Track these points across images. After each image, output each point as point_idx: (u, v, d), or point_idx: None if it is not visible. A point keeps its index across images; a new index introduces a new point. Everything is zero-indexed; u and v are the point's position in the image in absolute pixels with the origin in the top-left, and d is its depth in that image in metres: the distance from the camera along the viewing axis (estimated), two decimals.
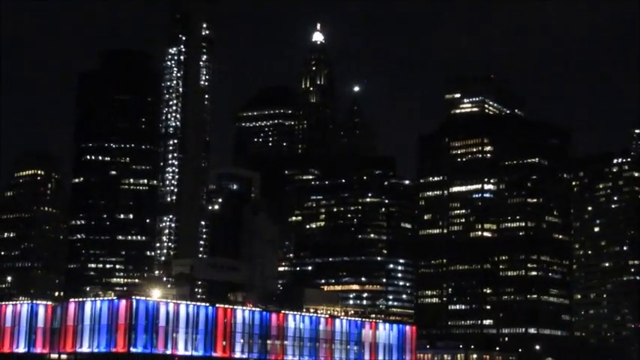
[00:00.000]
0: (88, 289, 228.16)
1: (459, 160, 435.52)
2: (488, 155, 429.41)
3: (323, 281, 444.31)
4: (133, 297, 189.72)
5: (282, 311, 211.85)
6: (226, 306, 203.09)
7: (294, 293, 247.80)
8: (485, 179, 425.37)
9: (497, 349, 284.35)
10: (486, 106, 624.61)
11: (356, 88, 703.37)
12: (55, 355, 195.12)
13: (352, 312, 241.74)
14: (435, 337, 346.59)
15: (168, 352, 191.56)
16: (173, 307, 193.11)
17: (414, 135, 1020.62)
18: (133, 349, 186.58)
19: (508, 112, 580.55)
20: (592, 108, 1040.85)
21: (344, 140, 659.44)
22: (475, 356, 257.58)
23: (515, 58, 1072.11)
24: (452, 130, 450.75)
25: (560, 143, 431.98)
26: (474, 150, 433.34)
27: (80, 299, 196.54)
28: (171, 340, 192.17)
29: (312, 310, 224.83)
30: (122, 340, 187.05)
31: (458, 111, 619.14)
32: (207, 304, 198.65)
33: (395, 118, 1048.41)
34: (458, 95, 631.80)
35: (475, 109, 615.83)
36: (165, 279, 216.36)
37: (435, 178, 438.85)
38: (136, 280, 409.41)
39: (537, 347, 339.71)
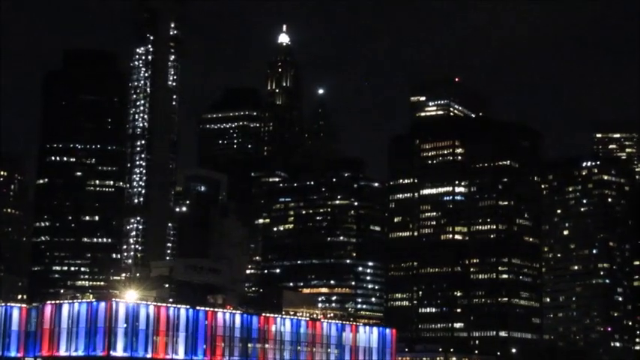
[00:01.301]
0: (62, 291, 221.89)
1: (429, 162, 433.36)
2: (459, 157, 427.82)
3: (291, 284, 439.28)
4: (113, 299, 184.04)
5: (266, 314, 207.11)
6: (207, 309, 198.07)
7: (273, 296, 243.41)
8: (456, 182, 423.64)
9: (476, 352, 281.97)
10: (451, 109, 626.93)
11: (320, 91, 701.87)
12: (30, 359, 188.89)
13: (332, 314, 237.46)
14: (405, 340, 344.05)
15: (149, 355, 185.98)
16: (153, 310, 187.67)
17: (379, 137, 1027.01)
18: (112, 353, 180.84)
19: (473, 115, 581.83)
20: (556, 110, 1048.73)
21: (308, 143, 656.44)
22: (454, 359, 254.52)
23: (477, 62, 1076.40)
24: (422, 132, 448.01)
25: (531, 145, 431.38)
26: (445, 152, 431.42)
27: (57, 301, 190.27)
28: (152, 344, 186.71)
29: (291, 313, 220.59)
30: (101, 343, 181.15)
31: (423, 114, 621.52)
32: (189, 307, 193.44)
33: (360, 121, 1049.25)
34: (423, 98, 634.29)
35: (440, 112, 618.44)
36: (143, 281, 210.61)
37: (406, 181, 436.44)
38: (102, 283, 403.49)
39: (513, 351, 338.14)
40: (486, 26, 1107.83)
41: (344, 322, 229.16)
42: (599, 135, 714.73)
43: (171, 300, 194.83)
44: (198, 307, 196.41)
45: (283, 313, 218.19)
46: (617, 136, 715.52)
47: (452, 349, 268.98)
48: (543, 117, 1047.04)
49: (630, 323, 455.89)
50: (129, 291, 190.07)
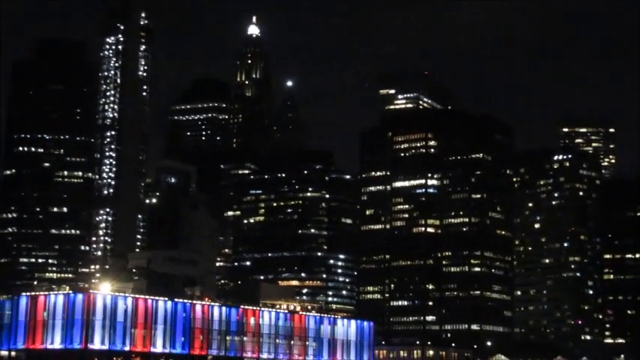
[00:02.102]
0: (35, 283, 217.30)
1: (402, 154, 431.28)
2: (432, 150, 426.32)
3: (262, 277, 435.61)
4: (91, 291, 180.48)
5: (244, 307, 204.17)
6: (186, 301, 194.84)
7: (250, 288, 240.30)
8: (429, 174, 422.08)
9: (453, 345, 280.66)
10: (421, 102, 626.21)
11: (289, 83, 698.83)
12: (4, 352, 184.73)
13: (310, 307, 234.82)
14: (377, 333, 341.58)
15: (127, 348, 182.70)
16: (132, 302, 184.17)
17: (349, 130, 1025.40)
18: (90, 346, 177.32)
19: (440, 107, 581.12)
20: (524, 105, 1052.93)
21: (277, 135, 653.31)
22: (431, 352, 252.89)
23: (445, 56, 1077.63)
24: (395, 124, 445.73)
25: (504, 138, 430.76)
26: (418, 145, 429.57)
27: (33, 293, 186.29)
28: (130, 336, 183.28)
29: (269, 305, 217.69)
30: (79, 336, 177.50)
31: (392, 107, 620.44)
32: (167, 299, 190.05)
33: (329, 114, 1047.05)
34: (392, 91, 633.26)
35: (410, 105, 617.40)
36: (120, 272, 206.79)
37: (378, 173, 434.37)
38: (70, 275, 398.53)
39: (489, 344, 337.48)
40: (456, 21, 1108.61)
41: (322, 315, 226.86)
42: (565, 129, 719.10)
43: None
44: (176, 299, 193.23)
45: (261, 305, 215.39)
46: (584, 130, 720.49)
47: (429, 342, 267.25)
48: (511, 111, 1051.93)
49: (600, 316, 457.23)
50: (103, 283, 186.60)
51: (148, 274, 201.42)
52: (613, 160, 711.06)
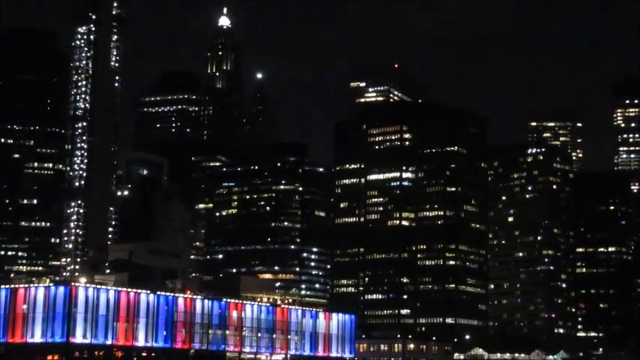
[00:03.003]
0: (12, 275, 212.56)
1: (376, 147, 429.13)
2: (407, 143, 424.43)
3: (234, 270, 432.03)
4: (73, 283, 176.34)
5: (227, 300, 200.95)
6: (169, 294, 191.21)
7: (230, 281, 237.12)
8: (404, 167, 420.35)
9: (434, 338, 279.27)
10: (391, 95, 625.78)
11: (259, 75, 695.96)
12: None
13: (291, 300, 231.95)
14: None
15: (109, 342, 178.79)
16: (114, 295, 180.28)
17: (320, 123, 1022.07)
18: (72, 339, 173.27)
19: (411, 101, 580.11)
20: (493, 98, 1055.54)
21: (247, 128, 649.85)
22: (412, 346, 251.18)
23: (416, 49, 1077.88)
24: (370, 117, 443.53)
25: (479, 132, 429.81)
26: (393, 138, 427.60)
27: (13, 286, 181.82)
28: (112, 330, 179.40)
29: (250, 297, 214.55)
30: (60, 329, 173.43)
31: (363, 100, 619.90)
32: (149, 292, 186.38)
33: (300, 106, 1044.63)
34: (363, 84, 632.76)
35: (380, 98, 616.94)
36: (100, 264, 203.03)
37: (352, 166, 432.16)
38: (40, 268, 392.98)
39: (467, 337, 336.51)
40: (427, 15, 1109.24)
41: (304, 309, 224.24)
42: (534, 123, 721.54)
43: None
44: (159, 292, 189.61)
45: (242, 298, 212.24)
46: (552, 124, 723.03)
47: (410, 336, 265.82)
48: (483, 105, 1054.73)
49: (574, 310, 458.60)
50: (81, 275, 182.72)
51: (129, 266, 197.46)
52: (580, 155, 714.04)
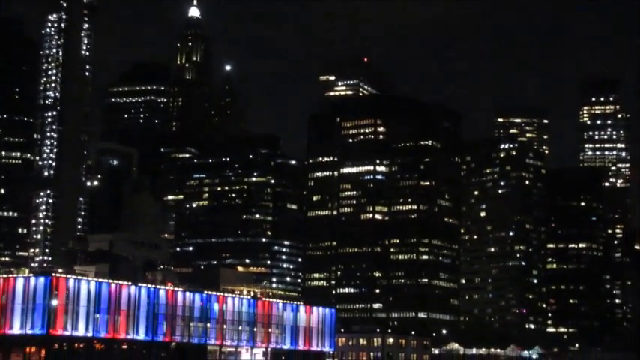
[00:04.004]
0: None
1: (350, 141, 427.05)
2: (381, 137, 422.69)
3: (205, 262, 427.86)
4: (53, 274, 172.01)
5: (208, 292, 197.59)
6: (150, 286, 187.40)
7: (210, 273, 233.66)
8: (377, 161, 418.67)
9: (413, 332, 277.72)
10: (361, 89, 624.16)
11: (228, 67, 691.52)
12: None
13: (271, 293, 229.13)
14: None
15: (90, 334, 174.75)
16: (95, 286, 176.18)
17: (291, 116, 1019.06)
18: (52, 331, 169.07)
19: (379, 94, 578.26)
20: (460, 94, 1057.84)
21: (215, 120, 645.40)
22: (391, 340, 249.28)
23: (386, 43, 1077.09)
24: (343, 110, 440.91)
25: (452, 126, 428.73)
26: (366, 131, 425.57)
27: None
28: (93, 322, 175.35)
29: (229, 290, 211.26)
30: (40, 320, 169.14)
31: (332, 93, 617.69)
32: (130, 283, 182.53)
33: (269, 99, 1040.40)
34: (332, 77, 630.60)
35: (350, 92, 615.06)
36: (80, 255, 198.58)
37: (325, 159, 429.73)
38: (7, 259, 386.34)
39: (444, 332, 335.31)
40: (400, 10, 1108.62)
41: (285, 302, 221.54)
42: (500, 120, 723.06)
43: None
44: (140, 284, 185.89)
45: (222, 290, 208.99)
46: (518, 121, 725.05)
47: (389, 330, 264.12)
48: (452, 100, 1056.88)
49: (544, 305, 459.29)
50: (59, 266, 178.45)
51: (109, 257, 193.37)
52: (547, 151, 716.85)
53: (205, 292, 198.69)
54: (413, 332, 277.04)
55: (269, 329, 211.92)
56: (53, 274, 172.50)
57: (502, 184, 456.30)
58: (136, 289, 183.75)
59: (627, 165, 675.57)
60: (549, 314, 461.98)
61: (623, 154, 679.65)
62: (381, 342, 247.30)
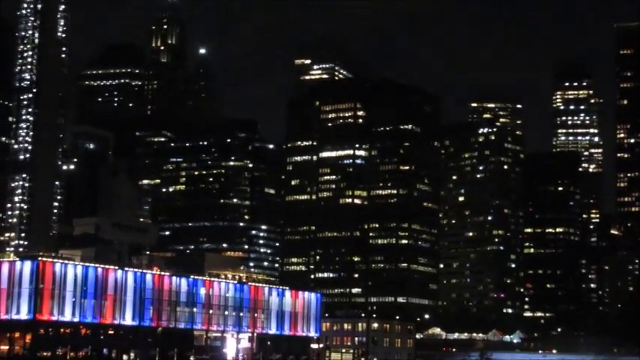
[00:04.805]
0: None
1: (329, 125, 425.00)
2: (360, 121, 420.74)
3: (181, 247, 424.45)
4: (40, 258, 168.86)
5: (195, 277, 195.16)
6: (137, 270, 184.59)
7: (194, 257, 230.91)
8: (357, 145, 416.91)
9: (397, 317, 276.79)
10: (336, 72, 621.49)
11: (202, 51, 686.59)
12: None
13: (259, 277, 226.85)
14: None
15: (76, 319, 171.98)
16: (82, 271, 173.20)
17: (268, 99, 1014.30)
18: (38, 316, 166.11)
19: (354, 78, 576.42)
20: (434, 78, 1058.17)
21: (189, 103, 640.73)
22: (376, 325, 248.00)
23: (361, 27, 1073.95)
24: (323, 94, 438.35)
25: (432, 110, 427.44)
26: (346, 115, 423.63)
27: None
28: (80, 306, 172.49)
29: (214, 275, 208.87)
30: (27, 305, 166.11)
31: (308, 77, 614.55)
32: (117, 268, 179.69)
33: (243, 83, 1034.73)
34: (308, 61, 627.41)
35: (325, 76, 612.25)
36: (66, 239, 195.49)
37: (304, 143, 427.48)
38: None
39: (427, 316, 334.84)
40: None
41: (271, 287, 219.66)
42: (474, 104, 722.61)
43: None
44: (127, 269, 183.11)
45: (207, 275, 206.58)
46: (492, 105, 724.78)
47: (374, 315, 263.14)
48: (424, 83, 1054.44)
49: (522, 290, 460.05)
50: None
51: (95, 240, 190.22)
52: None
53: (192, 276, 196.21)
54: (397, 317, 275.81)
55: (255, 314, 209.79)
56: (40, 259, 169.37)
57: (481, 168, 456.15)
58: (123, 274, 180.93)
59: (600, 150, 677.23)
60: (526, 299, 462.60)
61: (596, 139, 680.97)
62: (365, 327, 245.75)
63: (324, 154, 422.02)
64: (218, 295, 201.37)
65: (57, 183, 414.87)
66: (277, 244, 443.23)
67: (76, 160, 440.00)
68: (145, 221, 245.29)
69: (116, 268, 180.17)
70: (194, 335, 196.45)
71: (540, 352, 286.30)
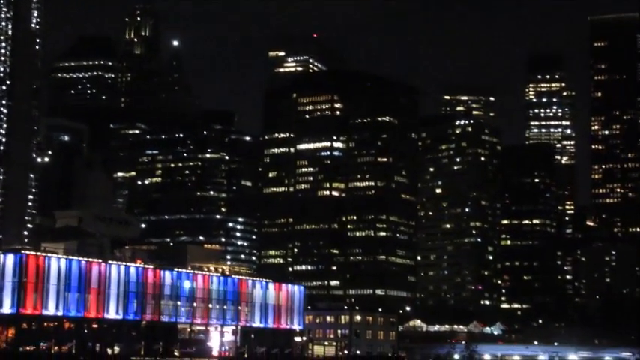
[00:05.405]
0: None
1: (307, 116, 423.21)
2: (338, 112, 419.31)
3: (159, 240, 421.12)
4: (23, 252, 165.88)
5: (178, 269, 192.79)
6: (120, 263, 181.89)
7: (177, 250, 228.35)
8: (334, 137, 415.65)
9: (380, 310, 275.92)
10: (310, 65, 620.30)
11: (175, 43, 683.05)
12: None
13: (242, 270, 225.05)
14: None
15: (60, 313, 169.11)
16: (65, 264, 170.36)
17: (244, 91, 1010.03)
18: (21, 310, 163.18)
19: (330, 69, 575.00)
20: (410, 70, 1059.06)
21: (162, 95, 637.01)
22: (359, 317, 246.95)
23: (335, 20, 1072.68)
24: (300, 85, 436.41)
25: (410, 102, 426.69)
26: (324, 107, 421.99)
27: None
28: (63, 300, 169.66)
29: (197, 267, 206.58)
30: (9, 299, 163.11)
31: (282, 69, 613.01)
32: (100, 261, 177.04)
33: (221, 74, 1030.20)
34: (282, 54, 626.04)
35: (300, 68, 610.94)
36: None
37: (282, 135, 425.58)
38: None
39: (408, 308, 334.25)
40: None
41: (254, 279, 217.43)
42: (447, 97, 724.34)
43: None
44: (110, 262, 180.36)
45: (189, 267, 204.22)
46: (465, 98, 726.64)
47: (357, 307, 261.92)
48: (398, 76, 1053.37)
49: (499, 282, 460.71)
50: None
51: (78, 233, 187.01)
52: None
53: (176, 269, 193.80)
54: (380, 309, 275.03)
55: (239, 307, 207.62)
56: (23, 252, 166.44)
57: (458, 160, 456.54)
58: (107, 267, 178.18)
59: (572, 142, 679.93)
60: (503, 290, 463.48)
61: (568, 131, 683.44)
62: (348, 319, 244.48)
63: (302, 146, 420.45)
64: (202, 287, 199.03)
65: (31, 176, 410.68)
66: (254, 237, 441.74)
67: (50, 152, 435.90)
68: (132, 213, 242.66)
69: (100, 261, 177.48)
70: (178, 328, 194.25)
71: (525, 346, 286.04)
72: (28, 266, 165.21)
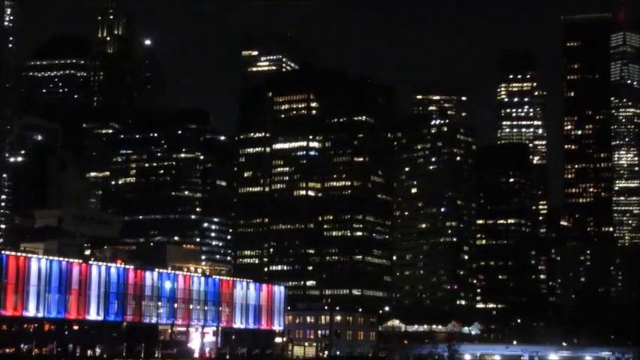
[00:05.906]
0: None
1: (282, 116, 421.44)
2: (314, 112, 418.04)
3: (133, 240, 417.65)
4: (3, 252, 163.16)
5: (159, 270, 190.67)
6: (101, 264, 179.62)
7: (156, 250, 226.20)
8: (310, 136, 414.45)
9: (360, 310, 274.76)
10: (284, 64, 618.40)
11: (147, 42, 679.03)
12: None
13: (223, 270, 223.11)
14: None
15: (40, 314, 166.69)
16: (46, 265, 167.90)
17: (218, 90, 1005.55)
18: (2, 312, 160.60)
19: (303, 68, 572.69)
20: (381, 69, 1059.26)
21: (135, 94, 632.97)
22: (339, 318, 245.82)
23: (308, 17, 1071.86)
24: (275, 85, 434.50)
25: (386, 101, 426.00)
26: (299, 106, 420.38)
27: None
28: (44, 301, 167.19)
29: (177, 268, 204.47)
30: None
31: (255, 69, 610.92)
32: (81, 261, 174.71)
33: (195, 73, 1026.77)
34: (255, 53, 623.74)
35: (273, 67, 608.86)
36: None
37: (257, 135, 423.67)
38: None
39: (387, 309, 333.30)
40: None
41: (235, 279, 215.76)
42: (419, 96, 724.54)
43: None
44: (91, 262, 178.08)
45: (169, 268, 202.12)
46: (437, 98, 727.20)
47: (337, 308, 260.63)
48: (378, 76, 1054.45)
49: (475, 282, 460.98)
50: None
51: (58, 233, 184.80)
52: None
53: (157, 270, 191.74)
54: (360, 310, 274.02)
55: (220, 308, 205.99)
56: (3, 252, 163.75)
57: (433, 159, 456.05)
58: (87, 268, 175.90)
59: (544, 142, 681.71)
60: (479, 290, 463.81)
61: (540, 131, 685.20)
62: (328, 320, 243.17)
63: (277, 146, 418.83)
64: (183, 288, 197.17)
65: (4, 175, 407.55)
66: (230, 237, 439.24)
67: (23, 152, 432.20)
68: (111, 213, 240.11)
69: (80, 261, 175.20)
70: (159, 330, 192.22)
71: (505, 346, 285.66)
72: (9, 267, 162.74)
